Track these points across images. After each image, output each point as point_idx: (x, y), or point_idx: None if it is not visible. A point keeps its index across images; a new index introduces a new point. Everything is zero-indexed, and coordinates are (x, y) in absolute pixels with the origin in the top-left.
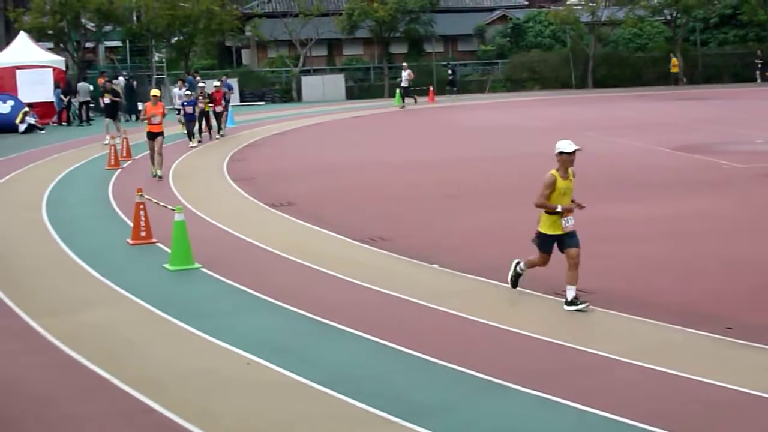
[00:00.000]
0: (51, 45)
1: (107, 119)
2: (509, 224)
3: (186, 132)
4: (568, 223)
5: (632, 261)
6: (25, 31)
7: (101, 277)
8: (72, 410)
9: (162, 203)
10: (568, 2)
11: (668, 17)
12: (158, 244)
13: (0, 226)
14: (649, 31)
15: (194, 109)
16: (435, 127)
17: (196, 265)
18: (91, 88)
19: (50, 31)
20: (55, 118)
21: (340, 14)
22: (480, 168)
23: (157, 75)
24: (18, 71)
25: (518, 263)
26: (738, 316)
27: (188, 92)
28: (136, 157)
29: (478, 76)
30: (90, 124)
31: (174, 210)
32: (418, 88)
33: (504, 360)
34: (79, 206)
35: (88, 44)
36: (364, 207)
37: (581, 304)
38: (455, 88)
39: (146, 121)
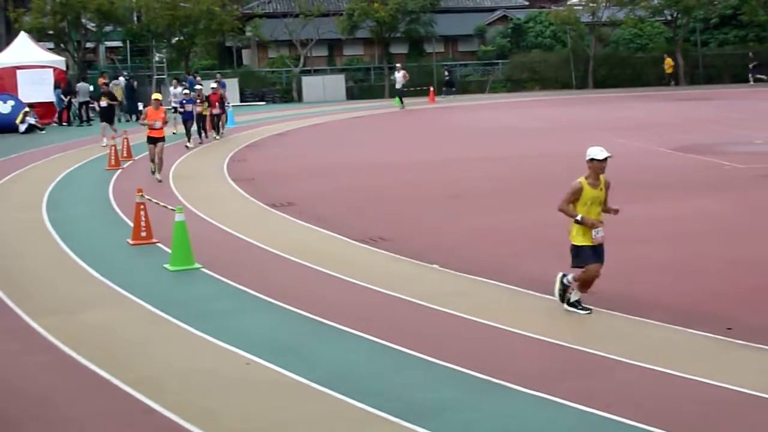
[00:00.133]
0: (51, 45)
1: (102, 123)
2: (510, 225)
3: (185, 131)
4: (598, 234)
5: (632, 261)
6: (26, 31)
7: (101, 278)
8: (72, 410)
9: (162, 203)
10: (568, 2)
11: (668, 18)
12: (158, 245)
13: (0, 226)
14: (650, 31)
15: (192, 108)
16: (435, 128)
17: (197, 265)
18: (91, 88)
19: (51, 32)
20: (55, 119)
21: (341, 14)
22: (480, 168)
23: (158, 75)
24: (18, 71)
25: (565, 276)
26: (738, 316)
27: (186, 90)
28: (136, 158)
29: (479, 76)
30: (90, 125)
31: (174, 210)
32: (418, 88)
33: (504, 360)
34: (80, 206)
35: (89, 44)
36: (364, 207)
37: (582, 309)
38: (453, 89)
39: (146, 126)
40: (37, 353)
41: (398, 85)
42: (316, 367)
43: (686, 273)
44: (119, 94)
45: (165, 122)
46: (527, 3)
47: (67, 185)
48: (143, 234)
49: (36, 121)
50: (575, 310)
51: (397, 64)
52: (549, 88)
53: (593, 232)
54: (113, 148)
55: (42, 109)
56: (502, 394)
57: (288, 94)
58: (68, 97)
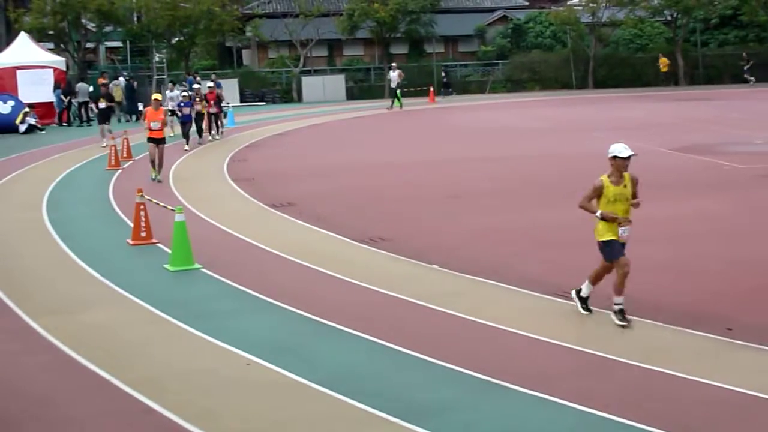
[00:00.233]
0: (51, 45)
1: (101, 125)
2: (510, 225)
3: (182, 133)
4: (624, 233)
5: (632, 261)
6: (26, 31)
7: (101, 278)
8: (72, 410)
9: (162, 204)
10: (568, 3)
11: (668, 18)
12: (158, 245)
13: (0, 226)
14: (650, 31)
15: (190, 111)
16: (435, 128)
17: (197, 265)
18: (91, 88)
19: (51, 32)
20: (55, 119)
21: (341, 15)
22: (480, 168)
23: (158, 75)
24: (18, 71)
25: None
26: (738, 316)
27: (185, 93)
28: (136, 158)
29: (479, 76)
30: (90, 125)
31: (174, 210)
32: (418, 88)
33: (504, 360)
34: (80, 206)
35: (89, 45)
36: (364, 207)
37: (584, 309)
38: (450, 90)
39: (146, 127)
40: (37, 353)
41: (393, 84)
42: (316, 367)
43: (686, 273)
44: (119, 94)
45: (164, 123)
46: (527, 3)
47: (67, 185)
48: (143, 234)
49: (36, 122)
50: (577, 305)
51: (393, 64)
52: (549, 88)
53: (620, 231)
54: (113, 148)
55: (42, 109)
56: (501, 394)
57: (288, 94)
58: (68, 98)
